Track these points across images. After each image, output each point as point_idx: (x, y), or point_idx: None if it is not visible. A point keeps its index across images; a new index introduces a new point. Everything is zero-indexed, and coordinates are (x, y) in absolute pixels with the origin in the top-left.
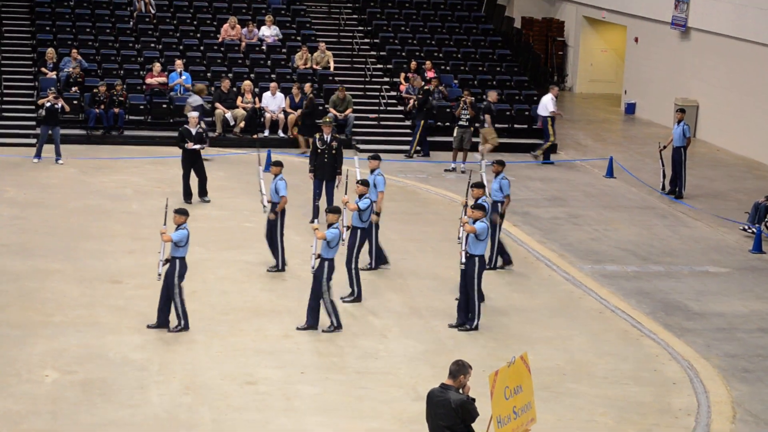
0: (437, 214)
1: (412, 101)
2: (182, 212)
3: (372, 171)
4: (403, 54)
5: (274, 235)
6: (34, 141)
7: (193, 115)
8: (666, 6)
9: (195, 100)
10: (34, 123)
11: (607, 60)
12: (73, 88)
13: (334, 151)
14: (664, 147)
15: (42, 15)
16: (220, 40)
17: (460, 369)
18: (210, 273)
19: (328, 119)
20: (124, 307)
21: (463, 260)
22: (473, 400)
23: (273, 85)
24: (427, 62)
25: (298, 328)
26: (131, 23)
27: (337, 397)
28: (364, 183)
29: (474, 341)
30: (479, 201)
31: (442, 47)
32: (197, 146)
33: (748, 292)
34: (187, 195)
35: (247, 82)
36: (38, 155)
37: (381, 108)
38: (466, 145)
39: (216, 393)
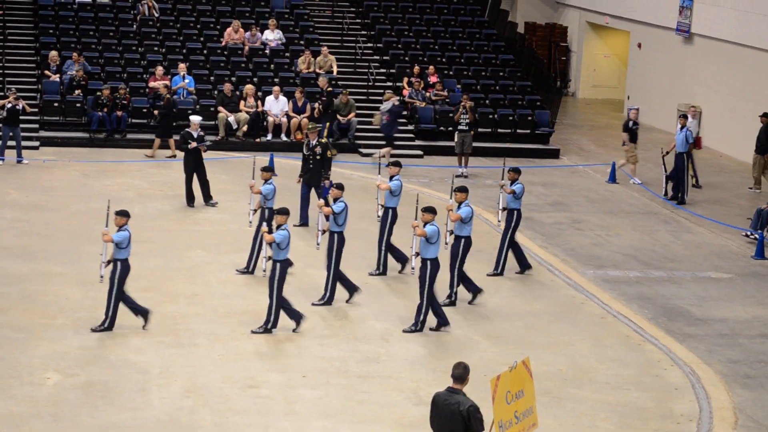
0: (438, 218)
1: (317, 105)
2: (123, 214)
3: (391, 177)
4: (406, 58)
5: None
6: (37, 144)
7: (195, 119)
8: (670, 12)
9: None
10: (37, 126)
11: (610, 65)
12: (77, 91)
13: (318, 156)
14: (667, 152)
15: (45, 18)
16: (223, 43)
17: (466, 371)
18: (212, 276)
19: (311, 125)
20: (126, 310)
21: (413, 265)
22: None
23: (276, 88)
24: (430, 67)
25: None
26: (134, 27)
27: (339, 401)
28: (339, 187)
29: (475, 345)
30: (463, 205)
31: (445, 52)
32: (199, 145)
33: (750, 298)
34: (190, 199)
35: (250, 86)
36: (2, 156)
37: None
38: (467, 150)
39: (217, 396)
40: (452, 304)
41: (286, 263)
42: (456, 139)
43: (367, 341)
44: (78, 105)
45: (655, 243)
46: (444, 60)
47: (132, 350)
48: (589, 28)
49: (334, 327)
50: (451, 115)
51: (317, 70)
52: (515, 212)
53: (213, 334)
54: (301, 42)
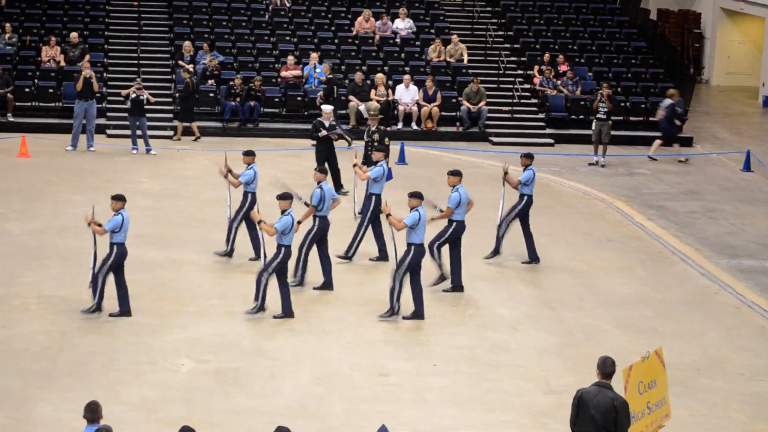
0: (570, 207)
1: (320, 93)
2: (119, 198)
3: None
4: (537, 46)
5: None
6: (171, 133)
7: (327, 108)
8: None
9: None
10: (171, 116)
11: (744, 52)
12: (210, 81)
13: (376, 143)
14: None
15: (179, 9)
16: (354, 32)
17: (615, 366)
18: (342, 263)
19: (372, 111)
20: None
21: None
22: None
23: (406, 77)
24: (561, 55)
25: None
26: (267, 16)
27: (468, 390)
28: (322, 171)
29: (606, 334)
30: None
31: (576, 39)
32: (330, 133)
33: None
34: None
35: (381, 75)
36: (134, 145)
37: (514, 101)
38: (605, 138)
39: (347, 384)
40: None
41: (289, 250)
42: (593, 128)
43: (496, 329)
44: (211, 95)
45: None
46: (575, 48)
47: (263, 337)
48: (723, 14)
49: (462, 315)
50: (582, 103)
51: (447, 59)
52: (525, 197)
53: (343, 322)
54: (432, 30)
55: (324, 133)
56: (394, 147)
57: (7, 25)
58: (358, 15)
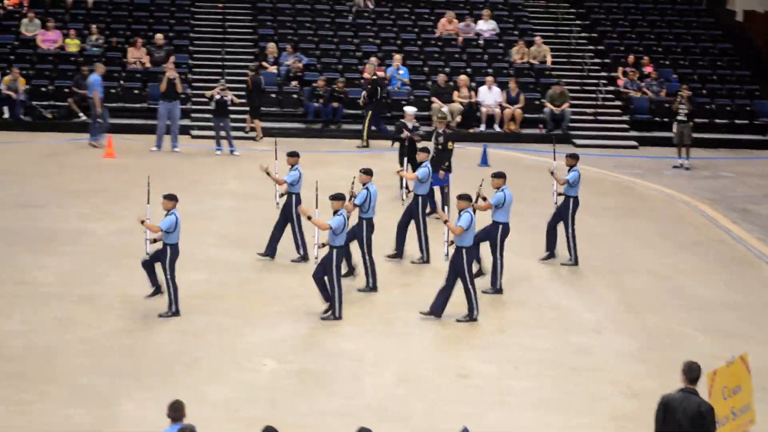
0: (654, 210)
1: (363, 93)
2: (170, 197)
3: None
4: (621, 48)
5: (282, 222)
6: (254, 134)
7: (410, 110)
8: None
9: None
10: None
11: None
12: (293, 82)
13: (440, 146)
14: None
15: (263, 10)
16: (437, 34)
17: (699, 371)
18: (423, 266)
19: (439, 115)
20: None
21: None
22: None
23: (489, 79)
24: (645, 57)
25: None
26: (350, 18)
27: (550, 393)
28: (367, 172)
29: (690, 339)
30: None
31: (661, 41)
32: (412, 134)
33: None
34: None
35: (464, 77)
36: (218, 146)
37: (598, 103)
38: (686, 140)
39: (429, 385)
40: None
41: (342, 250)
42: (675, 130)
43: (579, 333)
44: (295, 96)
45: None
46: (660, 49)
47: (345, 338)
48: None
49: (545, 318)
50: (667, 105)
51: (531, 60)
52: (571, 199)
53: (424, 323)
54: (515, 32)
55: (406, 134)
56: (476, 149)
57: (94, 26)
58: (441, 16)
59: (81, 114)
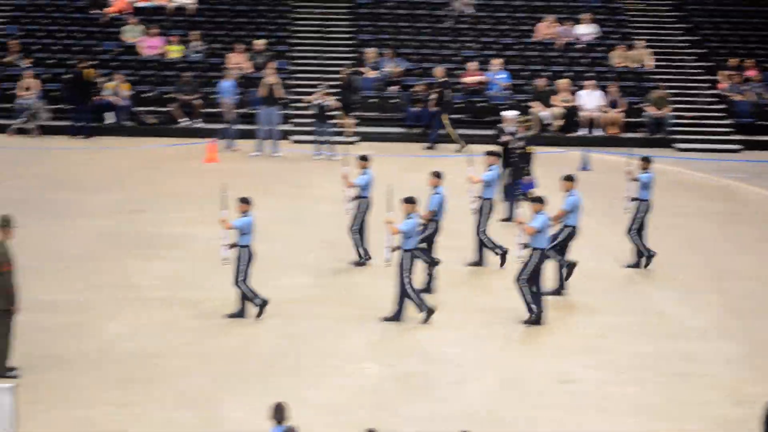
0: (758, 214)
1: (432, 97)
2: (245, 201)
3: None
4: (724, 51)
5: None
6: (355, 139)
7: (509, 114)
8: None
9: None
10: (355, 122)
11: None
12: (393, 87)
13: (519, 151)
14: None
15: (363, 16)
16: (537, 38)
17: None
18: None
19: (521, 118)
20: (443, 301)
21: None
22: None
23: (590, 83)
24: (748, 59)
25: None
26: (450, 23)
27: (654, 399)
28: (437, 175)
29: None
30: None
31: (763, 43)
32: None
33: None
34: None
35: (564, 80)
36: (318, 150)
37: (700, 106)
38: None
39: (530, 390)
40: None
41: (413, 253)
42: None
43: (682, 338)
44: (394, 101)
45: None
46: (763, 52)
47: (447, 342)
48: None
49: (648, 324)
50: None
51: (631, 64)
52: (644, 202)
53: (527, 329)
54: (616, 35)
55: (505, 138)
56: (576, 153)
57: (195, 33)
58: (541, 21)
59: (183, 119)
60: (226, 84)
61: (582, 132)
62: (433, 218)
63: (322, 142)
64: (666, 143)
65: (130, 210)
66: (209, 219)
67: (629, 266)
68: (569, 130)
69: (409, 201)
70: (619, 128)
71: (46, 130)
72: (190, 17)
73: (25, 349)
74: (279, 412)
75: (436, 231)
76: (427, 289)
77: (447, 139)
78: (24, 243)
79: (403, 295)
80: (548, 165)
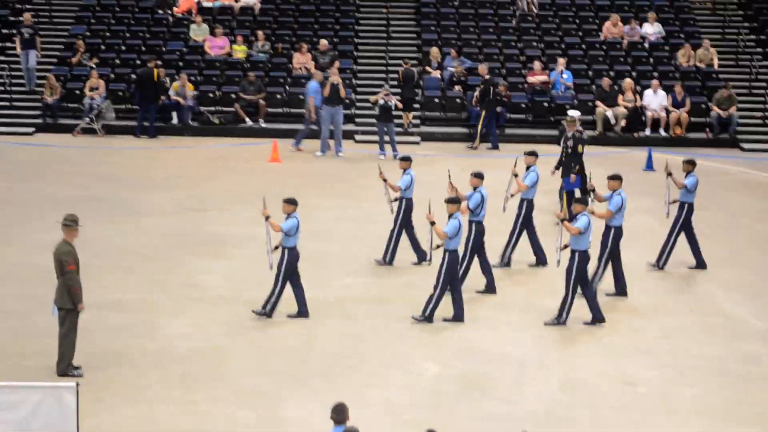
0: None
1: (476, 93)
2: (291, 201)
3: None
4: None
5: (397, 228)
6: (418, 139)
7: (574, 114)
8: None
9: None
10: (418, 121)
11: None
12: (456, 87)
13: (569, 150)
14: None
15: (427, 15)
16: (602, 38)
17: None
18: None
19: (569, 117)
20: (501, 302)
21: (559, 257)
22: None
23: (655, 82)
24: None
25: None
26: (514, 22)
27: (718, 401)
28: (478, 176)
29: None
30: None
31: None
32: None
33: None
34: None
35: (629, 80)
36: (382, 151)
37: (766, 106)
38: None
39: (594, 392)
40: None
41: (455, 254)
42: None
43: (747, 340)
44: (458, 101)
45: None
46: None
47: (508, 343)
48: None
49: (711, 325)
50: None
51: (697, 63)
52: (686, 205)
53: (589, 329)
54: (681, 35)
55: (575, 133)
56: (641, 154)
57: (260, 32)
58: (605, 20)
59: (247, 119)
60: (312, 84)
61: (647, 132)
62: (475, 219)
63: (386, 142)
64: (732, 143)
65: (194, 209)
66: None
67: (692, 267)
68: (634, 130)
69: (452, 201)
70: (685, 128)
71: (111, 130)
72: (255, 17)
73: (89, 348)
74: (339, 413)
75: (480, 232)
76: (491, 288)
77: (509, 138)
78: (88, 242)
79: (454, 294)
80: (612, 164)
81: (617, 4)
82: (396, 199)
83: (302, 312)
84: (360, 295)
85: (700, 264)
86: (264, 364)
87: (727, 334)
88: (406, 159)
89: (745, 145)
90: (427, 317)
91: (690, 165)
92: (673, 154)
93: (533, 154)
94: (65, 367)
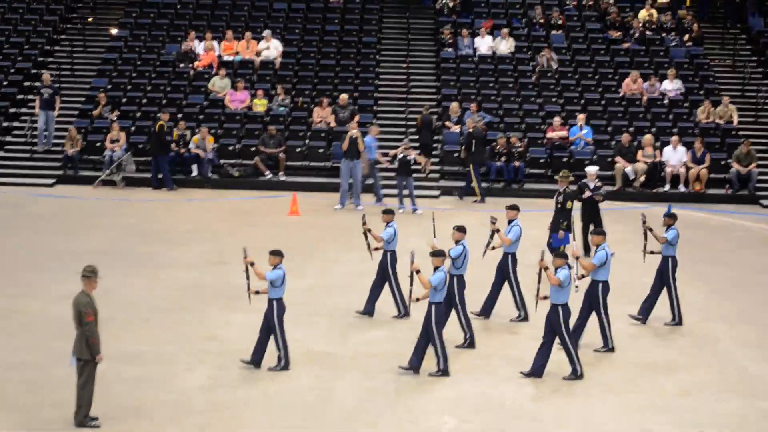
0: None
1: (462, 147)
2: (277, 253)
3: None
4: None
5: (380, 280)
6: (437, 193)
7: (592, 170)
8: None
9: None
10: (437, 175)
11: None
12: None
13: (559, 205)
14: None
15: (447, 70)
16: (621, 94)
17: None
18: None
19: (562, 173)
20: (520, 357)
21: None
22: None
23: (674, 138)
24: None
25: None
26: (533, 78)
27: None
28: (460, 230)
29: None
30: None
31: None
32: (594, 195)
33: None
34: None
35: (648, 136)
36: (401, 204)
37: None
38: None
39: None
40: None
41: (441, 306)
42: None
43: (766, 398)
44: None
45: None
46: None
47: (526, 398)
48: None
49: (730, 381)
50: None
51: (717, 120)
52: (670, 258)
53: (606, 385)
54: (701, 92)
55: (588, 194)
56: (660, 209)
57: (280, 87)
58: (625, 76)
59: (267, 172)
60: (369, 139)
61: (666, 188)
62: (456, 272)
63: (404, 196)
64: (751, 200)
65: (213, 262)
66: (292, 272)
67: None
68: (653, 186)
69: (437, 254)
70: (704, 184)
71: (131, 182)
72: (275, 71)
73: (105, 400)
74: None
75: (462, 285)
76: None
77: (528, 192)
78: (107, 293)
79: (436, 347)
80: (631, 221)
81: (637, 60)
82: (376, 249)
83: (256, 362)
84: (376, 350)
85: (678, 319)
86: (281, 418)
87: (746, 391)
88: (389, 212)
89: (765, 202)
90: (443, 370)
91: (671, 219)
92: (693, 210)
93: (515, 208)
94: (83, 419)
